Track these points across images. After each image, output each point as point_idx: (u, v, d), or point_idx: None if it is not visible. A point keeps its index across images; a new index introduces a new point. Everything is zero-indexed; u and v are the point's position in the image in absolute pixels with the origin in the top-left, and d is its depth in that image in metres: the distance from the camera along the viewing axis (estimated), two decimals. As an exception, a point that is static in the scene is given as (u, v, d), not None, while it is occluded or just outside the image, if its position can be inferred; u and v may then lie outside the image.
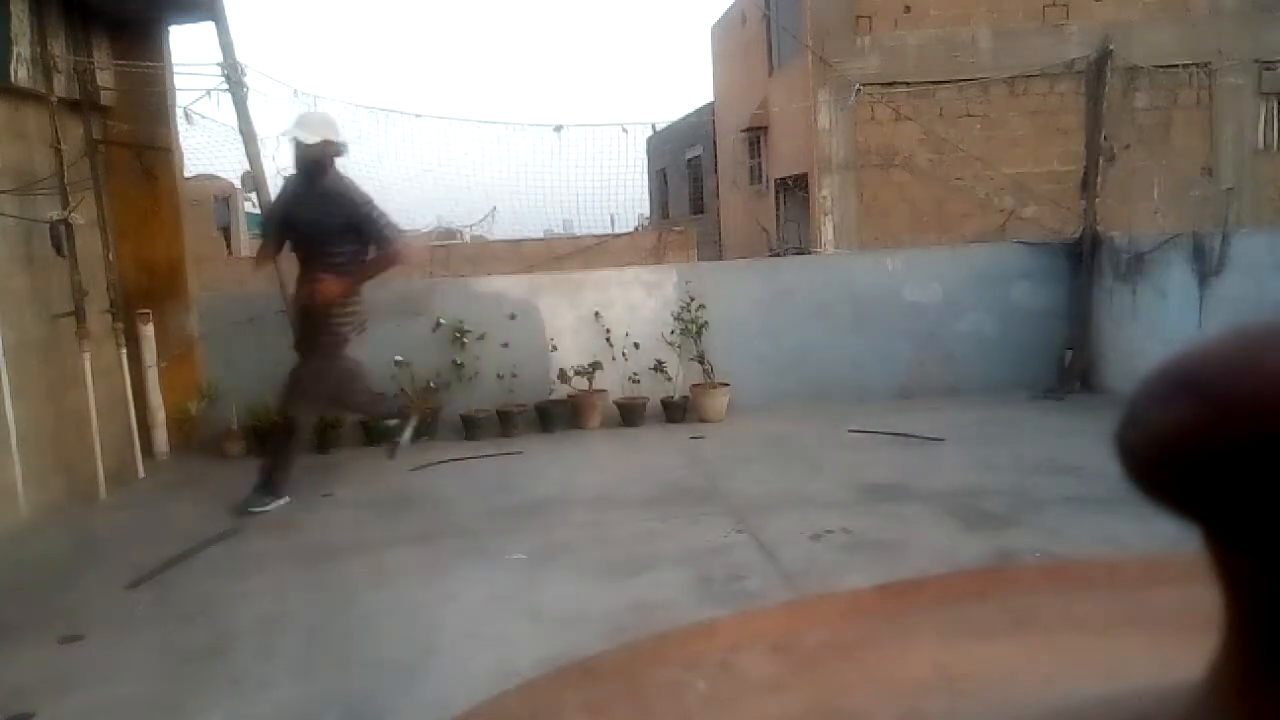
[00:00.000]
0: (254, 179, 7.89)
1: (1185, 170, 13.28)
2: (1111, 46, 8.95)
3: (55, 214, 6.48)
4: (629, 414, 8.09)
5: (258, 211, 9.20)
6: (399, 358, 7.96)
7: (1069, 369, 8.53)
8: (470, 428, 7.93)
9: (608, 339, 8.27)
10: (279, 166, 8.01)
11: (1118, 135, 9.60)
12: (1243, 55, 13.70)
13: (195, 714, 3.45)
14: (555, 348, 8.26)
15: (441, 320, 8.16)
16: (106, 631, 4.23)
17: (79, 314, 6.57)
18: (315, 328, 5.79)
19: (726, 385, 8.15)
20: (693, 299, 8.23)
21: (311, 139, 5.73)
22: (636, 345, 8.29)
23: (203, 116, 8.04)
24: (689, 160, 23.32)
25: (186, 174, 8.67)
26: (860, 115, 13.57)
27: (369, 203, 5.69)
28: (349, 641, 3.98)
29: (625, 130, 11.30)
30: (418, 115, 11.33)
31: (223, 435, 7.68)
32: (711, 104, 21.71)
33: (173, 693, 3.62)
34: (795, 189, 15.83)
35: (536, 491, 6.20)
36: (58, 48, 6.78)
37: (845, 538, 4.94)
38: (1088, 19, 13.30)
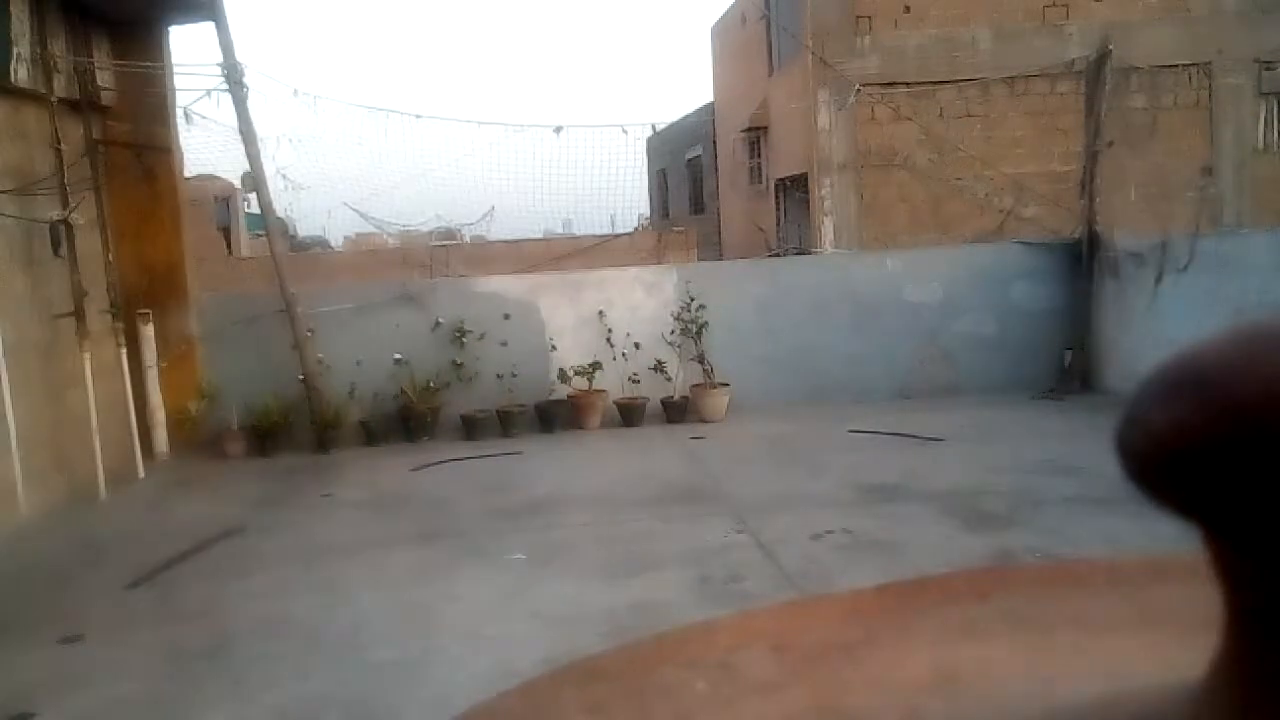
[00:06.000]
0: (254, 179, 7.89)
1: (1185, 170, 13.26)
2: (1111, 46, 8.95)
3: (55, 214, 6.48)
4: (629, 414, 8.09)
5: (257, 212, 9.20)
6: (398, 356, 7.96)
7: (1069, 369, 8.53)
8: (470, 428, 7.93)
9: (608, 339, 8.27)
10: (279, 166, 8.01)
11: (1121, 136, 9.59)
12: (1242, 55, 13.69)
13: (195, 714, 3.45)
14: (555, 348, 8.25)
15: (440, 320, 8.16)
16: (106, 631, 4.23)
17: (79, 314, 6.57)
18: None
19: (726, 385, 8.15)
20: (693, 299, 8.23)
21: None
22: (637, 345, 8.29)
23: (203, 116, 8.05)
24: (689, 160, 23.30)
25: (186, 174, 8.67)
26: (860, 115, 13.56)
27: None
28: (349, 641, 3.98)
29: (625, 131, 11.33)
30: (418, 115, 11.35)
31: (223, 435, 7.68)
32: (711, 104, 21.70)
33: (173, 693, 3.62)
34: (795, 189, 15.82)
35: (536, 491, 6.20)
36: (58, 48, 6.78)
37: (845, 538, 4.94)
38: (1088, 19, 13.29)
